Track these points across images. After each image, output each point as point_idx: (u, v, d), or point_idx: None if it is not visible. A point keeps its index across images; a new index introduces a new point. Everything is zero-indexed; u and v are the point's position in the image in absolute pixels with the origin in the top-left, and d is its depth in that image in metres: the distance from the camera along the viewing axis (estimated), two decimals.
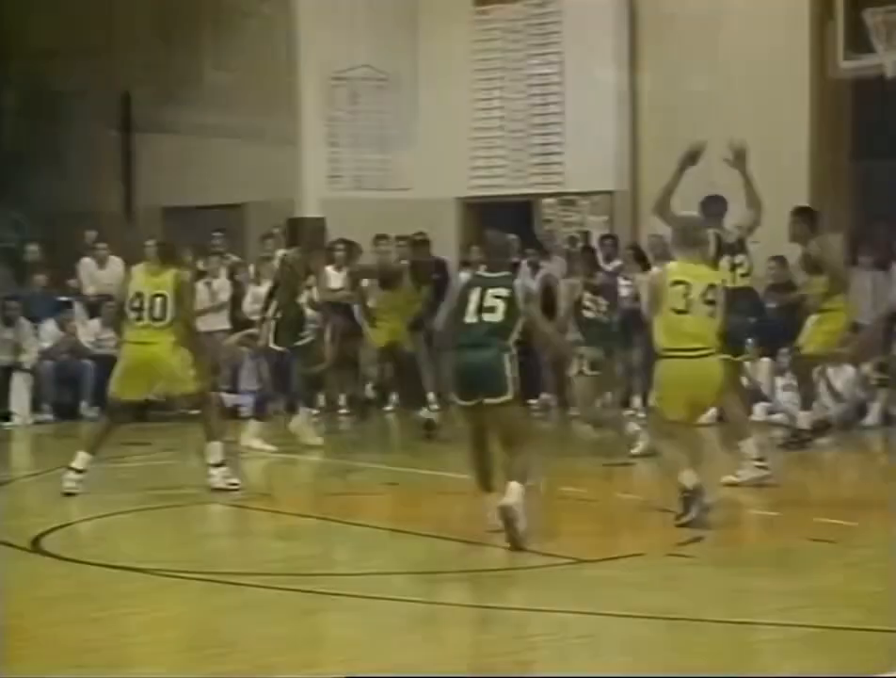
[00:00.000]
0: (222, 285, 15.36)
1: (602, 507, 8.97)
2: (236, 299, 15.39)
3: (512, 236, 15.63)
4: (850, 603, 6.44)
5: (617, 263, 15.10)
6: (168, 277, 9.67)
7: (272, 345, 11.58)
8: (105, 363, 14.78)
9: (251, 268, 15.76)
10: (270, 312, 11.67)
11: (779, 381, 13.90)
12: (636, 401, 14.75)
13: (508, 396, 7.87)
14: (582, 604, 6.46)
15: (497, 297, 8.08)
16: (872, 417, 13.36)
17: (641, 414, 14.58)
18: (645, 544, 7.71)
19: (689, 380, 8.21)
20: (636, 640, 6.01)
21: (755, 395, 13.97)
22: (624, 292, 14.62)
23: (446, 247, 16.43)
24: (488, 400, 7.89)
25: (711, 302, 8.30)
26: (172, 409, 14.79)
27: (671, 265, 8.53)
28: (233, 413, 14.62)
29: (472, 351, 7.97)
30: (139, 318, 9.64)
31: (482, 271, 8.43)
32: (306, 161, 16.53)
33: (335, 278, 15.40)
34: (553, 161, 16.23)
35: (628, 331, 14.83)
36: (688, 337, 8.24)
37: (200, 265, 15.67)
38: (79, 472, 9.47)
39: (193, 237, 16.04)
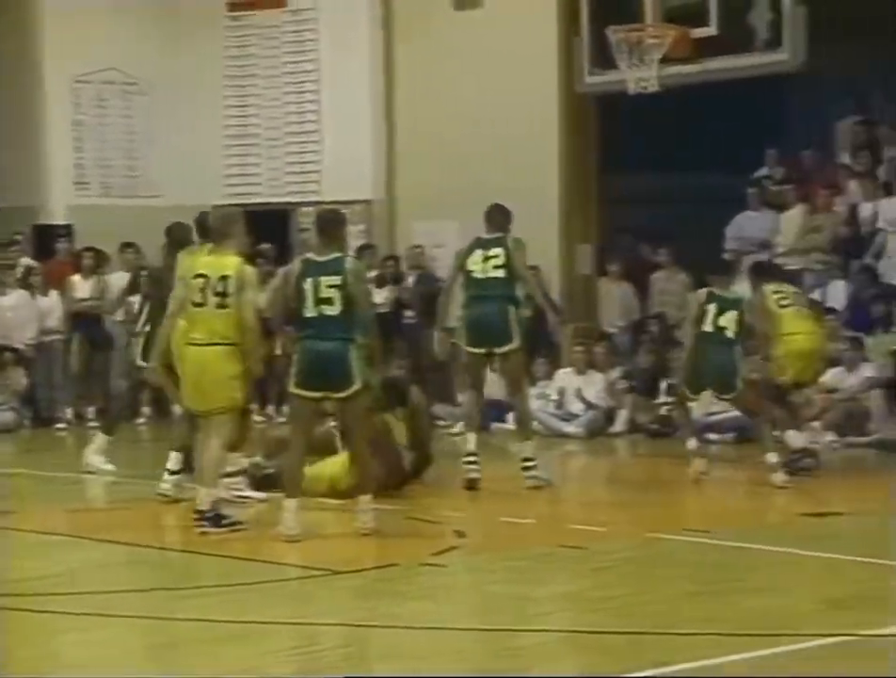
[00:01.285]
0: None
1: (352, 516, 9.00)
2: None
3: (267, 246, 15.66)
4: (597, 606, 6.66)
5: (374, 272, 15.24)
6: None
7: (139, 361, 10.19)
8: None
9: None
10: (139, 325, 10.70)
11: (532, 391, 14.23)
12: None
13: (356, 388, 8.16)
14: (334, 615, 6.50)
15: (331, 286, 8.16)
16: (619, 424, 13.83)
17: None
18: (400, 554, 7.79)
19: (196, 370, 8.47)
20: (388, 650, 6.08)
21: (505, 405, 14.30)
22: (378, 299, 14.79)
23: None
24: (336, 394, 8.14)
25: (220, 294, 8.42)
26: None
27: (202, 259, 8.73)
28: None
29: (317, 344, 8.13)
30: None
31: (312, 255, 8.41)
32: (51, 166, 16.11)
33: (82, 287, 15.09)
34: (310, 169, 16.26)
35: (384, 338, 14.97)
36: (199, 329, 8.48)
37: None
38: None
39: None
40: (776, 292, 10.72)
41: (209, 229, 9.37)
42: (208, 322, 8.44)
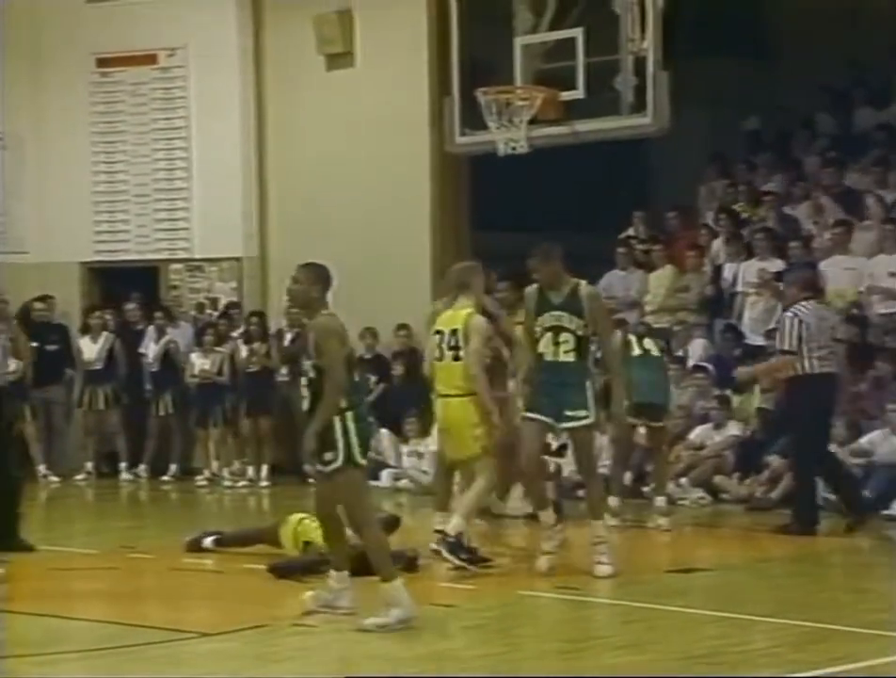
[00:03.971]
0: None
1: (229, 578, 8.99)
2: None
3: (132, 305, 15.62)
4: (466, 665, 6.72)
5: (241, 330, 15.29)
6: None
7: None
8: None
9: None
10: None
11: (404, 448, 14.34)
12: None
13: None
14: None
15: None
16: None
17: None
18: (270, 615, 7.78)
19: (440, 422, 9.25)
20: None
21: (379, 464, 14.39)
22: (244, 353, 14.88)
23: (69, 312, 16.17)
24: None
25: (454, 348, 9.10)
26: None
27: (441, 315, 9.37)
28: None
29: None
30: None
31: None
32: None
33: None
34: (180, 226, 16.24)
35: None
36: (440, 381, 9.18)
37: None
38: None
39: None
40: None
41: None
42: (446, 374, 9.06)
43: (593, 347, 9.36)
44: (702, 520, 11.83)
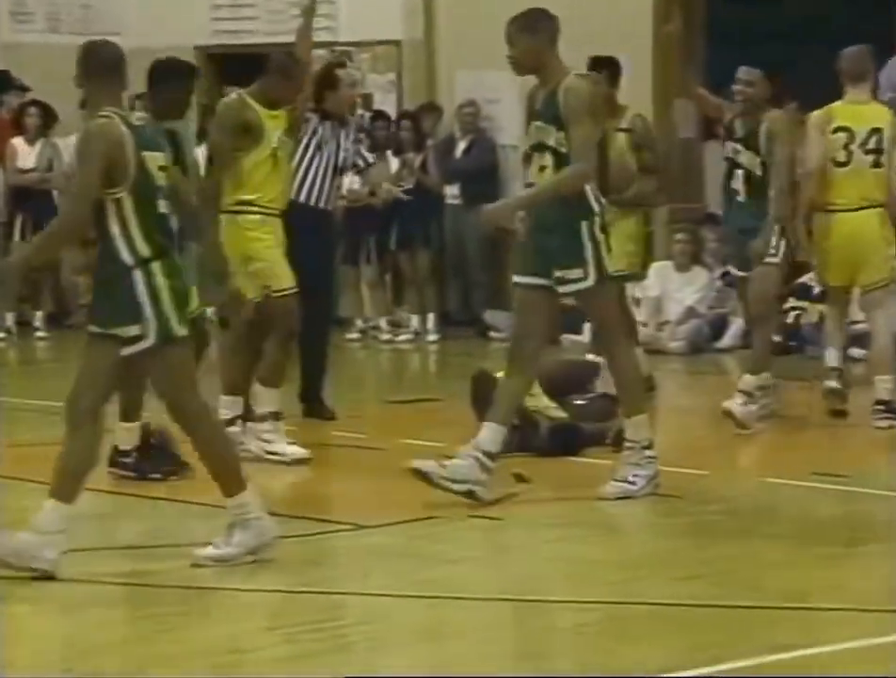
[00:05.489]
0: None
1: (386, 456, 9.14)
2: None
3: None
4: (693, 572, 6.73)
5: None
6: None
7: None
8: None
9: None
10: None
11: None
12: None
13: None
14: (356, 582, 6.64)
15: None
16: (730, 337, 13.84)
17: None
18: (439, 504, 7.89)
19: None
20: (420, 627, 6.20)
21: None
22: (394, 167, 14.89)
23: None
24: None
25: (873, 151, 9.39)
26: None
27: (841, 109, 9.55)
28: None
29: None
30: None
31: None
32: None
33: (26, 153, 15.22)
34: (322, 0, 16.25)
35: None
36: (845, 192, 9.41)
37: None
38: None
39: None
40: None
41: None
42: (856, 184, 9.37)
43: None
44: None
